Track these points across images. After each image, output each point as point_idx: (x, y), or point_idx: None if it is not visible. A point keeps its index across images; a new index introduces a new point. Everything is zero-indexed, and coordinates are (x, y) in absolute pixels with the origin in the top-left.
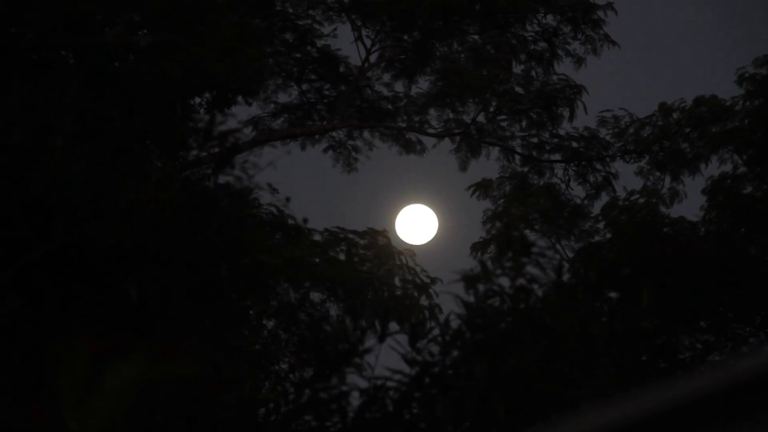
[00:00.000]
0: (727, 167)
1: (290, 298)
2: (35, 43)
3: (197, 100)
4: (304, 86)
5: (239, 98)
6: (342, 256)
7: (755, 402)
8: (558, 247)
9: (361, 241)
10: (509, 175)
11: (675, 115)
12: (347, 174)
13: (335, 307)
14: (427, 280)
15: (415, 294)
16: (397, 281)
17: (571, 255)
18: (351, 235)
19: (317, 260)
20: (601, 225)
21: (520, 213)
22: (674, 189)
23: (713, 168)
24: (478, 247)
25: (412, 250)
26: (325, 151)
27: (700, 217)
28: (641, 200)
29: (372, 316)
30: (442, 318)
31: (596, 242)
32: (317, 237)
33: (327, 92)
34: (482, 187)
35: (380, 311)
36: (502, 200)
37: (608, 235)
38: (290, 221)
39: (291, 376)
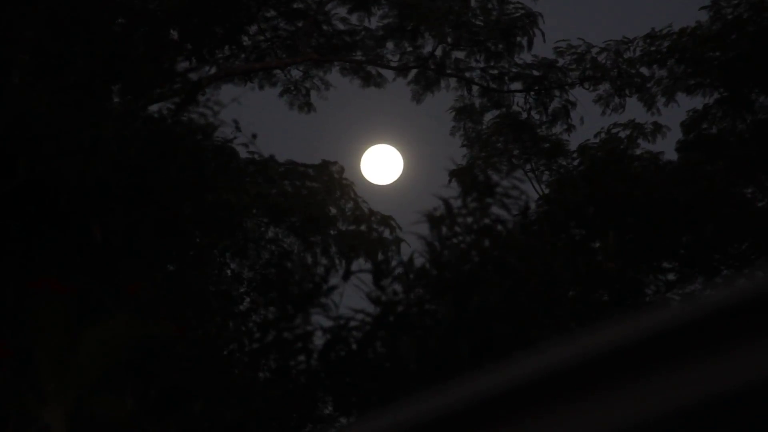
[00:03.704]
0: (703, 100)
1: (253, 233)
2: None
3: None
4: (263, 25)
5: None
6: (292, 188)
7: (725, 332)
8: (535, 184)
9: (311, 172)
10: (493, 102)
11: (664, 43)
12: (305, 113)
13: (296, 242)
14: (371, 216)
15: (376, 227)
16: (350, 209)
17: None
18: (302, 168)
19: (273, 191)
20: (577, 162)
21: (501, 145)
22: (657, 124)
23: (695, 101)
24: (456, 173)
25: (350, 181)
26: (281, 95)
27: (677, 154)
28: (622, 134)
29: (335, 252)
30: (406, 253)
31: (565, 178)
32: (270, 171)
33: (284, 27)
34: (464, 112)
35: (344, 248)
36: (486, 128)
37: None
38: (247, 153)
39: (253, 315)
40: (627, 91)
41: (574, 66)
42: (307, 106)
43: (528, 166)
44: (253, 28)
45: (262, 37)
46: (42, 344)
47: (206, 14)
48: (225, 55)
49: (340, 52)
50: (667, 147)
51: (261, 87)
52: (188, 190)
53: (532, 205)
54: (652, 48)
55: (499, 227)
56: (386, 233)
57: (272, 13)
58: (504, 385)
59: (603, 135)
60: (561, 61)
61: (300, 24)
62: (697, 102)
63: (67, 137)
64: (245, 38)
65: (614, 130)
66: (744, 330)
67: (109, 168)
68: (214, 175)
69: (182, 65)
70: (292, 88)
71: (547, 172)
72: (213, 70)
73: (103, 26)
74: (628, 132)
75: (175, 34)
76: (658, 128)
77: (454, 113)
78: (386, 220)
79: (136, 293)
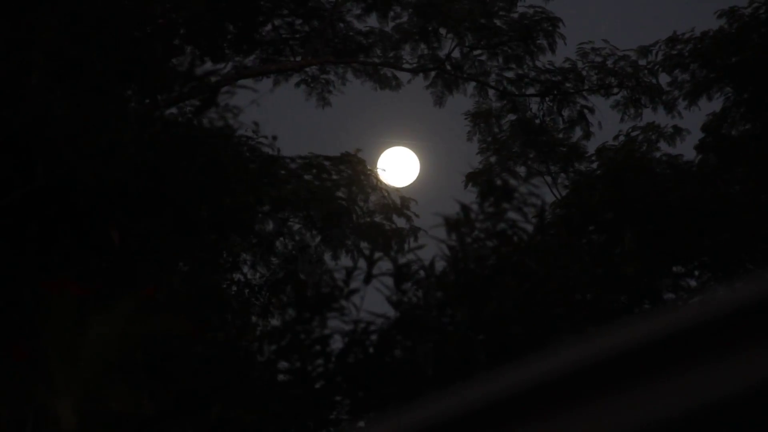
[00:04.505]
0: (720, 103)
1: (269, 235)
2: None
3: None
4: (277, 21)
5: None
6: (315, 182)
7: (740, 332)
8: (552, 188)
9: (328, 163)
10: (510, 106)
11: (686, 47)
12: (322, 108)
13: (312, 237)
14: (399, 202)
15: (394, 217)
16: (374, 199)
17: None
18: (325, 162)
19: (290, 186)
20: (595, 165)
21: (517, 149)
22: (677, 127)
23: (716, 104)
24: (472, 177)
25: (372, 170)
26: (297, 85)
27: (695, 156)
28: (641, 136)
29: (351, 244)
30: (422, 243)
31: (583, 181)
32: (291, 165)
33: (298, 27)
34: (480, 116)
35: (365, 243)
36: (503, 132)
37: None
38: (267, 151)
39: (262, 320)
40: (642, 101)
41: (594, 73)
42: (323, 100)
43: (544, 170)
44: (267, 27)
45: (274, 34)
46: (53, 337)
47: (221, 14)
48: (239, 50)
49: (354, 54)
50: (687, 150)
51: (276, 84)
52: (206, 192)
53: (548, 209)
54: (674, 52)
55: (517, 231)
56: (402, 222)
57: (285, 11)
58: (519, 387)
59: (622, 138)
60: (582, 63)
61: (314, 24)
62: (718, 105)
63: (85, 140)
64: (260, 36)
65: (634, 133)
66: (756, 332)
67: (127, 171)
68: (232, 178)
69: (201, 69)
70: (309, 80)
71: (563, 175)
72: (227, 68)
73: (120, 29)
74: (647, 135)
75: (190, 35)
76: (678, 131)
77: (470, 118)
78: (406, 202)
79: (154, 295)
